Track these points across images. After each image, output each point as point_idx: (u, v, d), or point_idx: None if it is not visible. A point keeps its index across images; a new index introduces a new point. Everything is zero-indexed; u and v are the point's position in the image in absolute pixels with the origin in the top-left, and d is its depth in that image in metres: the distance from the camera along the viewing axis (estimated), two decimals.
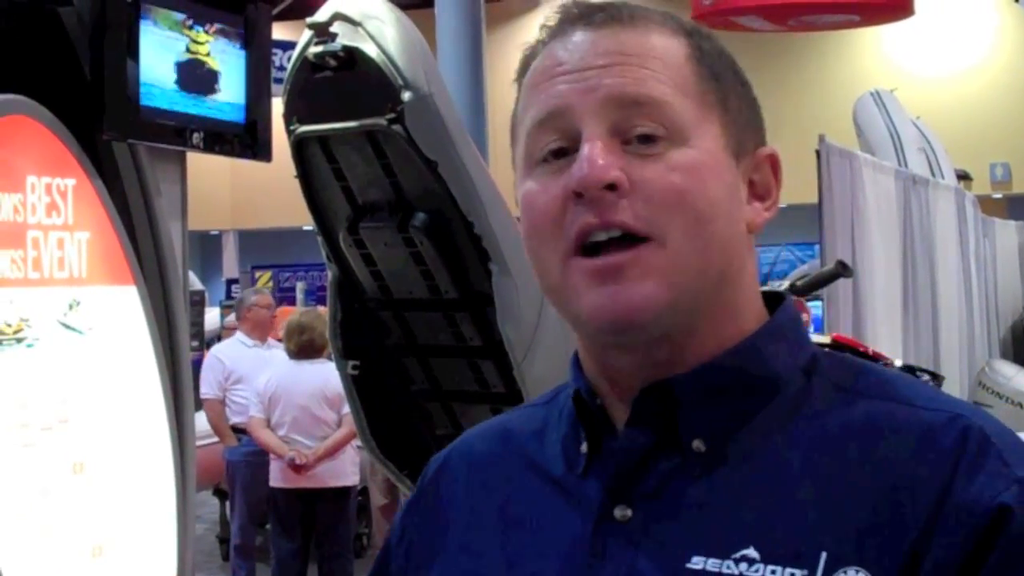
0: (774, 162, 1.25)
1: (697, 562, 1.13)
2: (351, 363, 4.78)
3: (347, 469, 8.07)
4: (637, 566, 1.15)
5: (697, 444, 1.17)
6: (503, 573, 1.22)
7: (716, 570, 1.12)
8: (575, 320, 1.19)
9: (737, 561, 1.12)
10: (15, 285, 2.90)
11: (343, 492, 8.11)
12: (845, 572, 1.09)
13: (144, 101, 3.21)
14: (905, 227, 8.46)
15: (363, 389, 4.83)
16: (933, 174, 10.50)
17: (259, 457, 8.31)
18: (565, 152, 1.18)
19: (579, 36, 1.21)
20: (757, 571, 1.11)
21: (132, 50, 3.17)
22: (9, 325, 2.88)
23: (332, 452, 7.89)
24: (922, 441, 1.13)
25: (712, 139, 1.18)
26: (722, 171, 1.19)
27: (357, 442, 7.06)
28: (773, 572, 1.11)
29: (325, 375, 7.44)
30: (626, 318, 1.15)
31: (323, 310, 7.73)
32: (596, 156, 1.15)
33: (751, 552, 1.12)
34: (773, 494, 1.14)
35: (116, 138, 3.23)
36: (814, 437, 1.16)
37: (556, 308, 1.22)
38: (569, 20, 1.23)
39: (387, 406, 4.90)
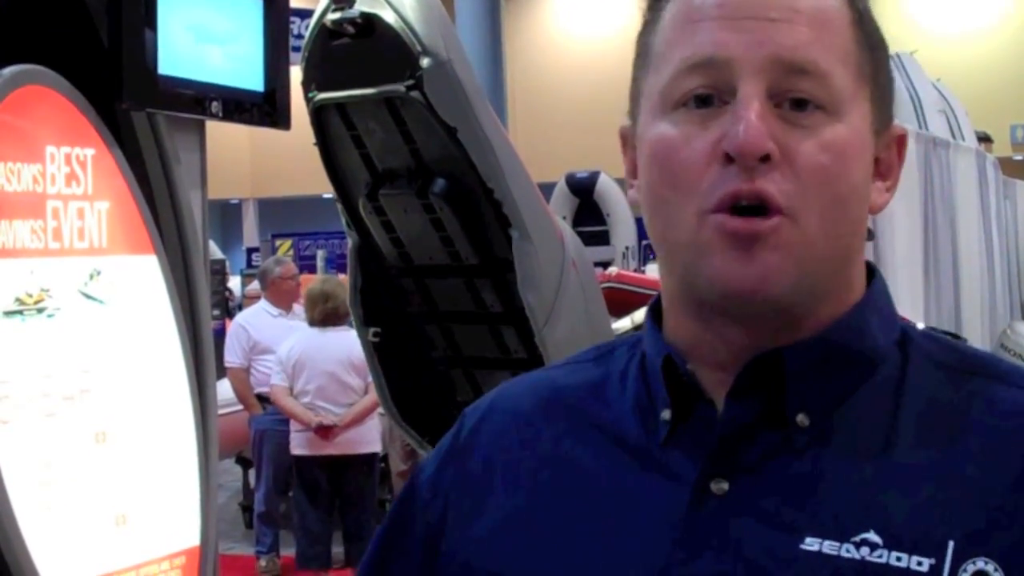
0: (902, 142, 1.20)
1: (812, 543, 1.07)
2: (372, 330, 4.79)
3: (373, 436, 8.06)
4: (742, 545, 1.09)
5: (801, 418, 1.12)
6: (574, 538, 1.16)
7: (834, 553, 1.06)
8: (695, 279, 1.12)
9: (857, 545, 1.06)
10: (35, 255, 2.90)
11: (369, 459, 8.10)
12: (974, 562, 1.04)
13: (162, 70, 3.20)
14: (926, 189, 8.42)
15: (384, 356, 4.85)
16: (953, 136, 10.44)
17: (285, 425, 8.31)
18: (710, 100, 1.11)
19: None
20: (880, 557, 1.05)
21: (150, 19, 3.16)
22: (30, 295, 2.88)
23: (361, 418, 7.88)
24: None
25: (860, 117, 1.13)
26: (865, 152, 1.13)
27: (380, 409, 7.07)
28: (899, 559, 1.05)
29: (351, 342, 7.39)
30: (755, 286, 1.09)
31: (343, 278, 7.73)
32: (757, 123, 1.08)
33: (872, 536, 1.06)
34: (887, 474, 1.09)
35: (135, 107, 3.22)
36: (925, 416, 1.12)
37: (669, 265, 1.16)
38: None
39: (408, 373, 4.91)
